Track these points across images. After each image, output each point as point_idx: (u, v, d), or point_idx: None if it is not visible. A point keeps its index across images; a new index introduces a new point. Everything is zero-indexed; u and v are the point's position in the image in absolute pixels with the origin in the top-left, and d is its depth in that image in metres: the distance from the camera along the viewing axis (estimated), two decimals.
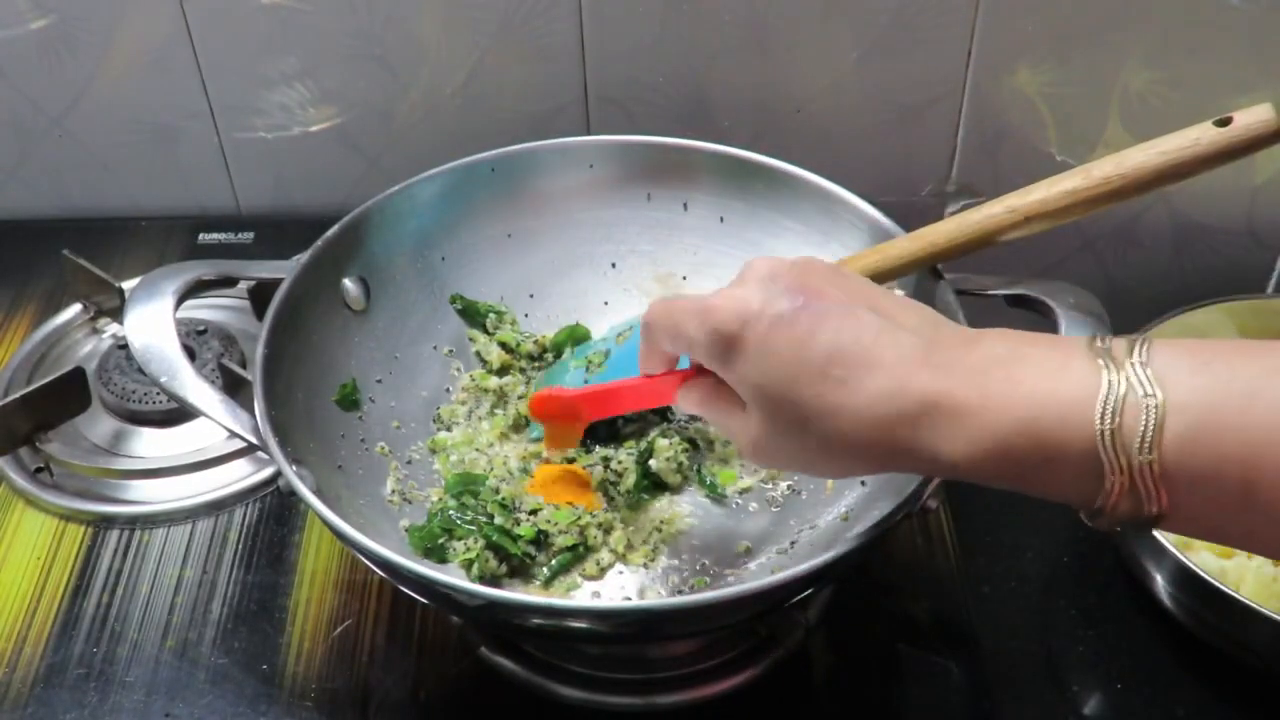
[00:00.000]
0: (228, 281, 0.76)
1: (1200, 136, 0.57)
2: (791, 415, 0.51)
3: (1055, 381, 0.46)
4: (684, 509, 0.74)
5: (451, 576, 0.59)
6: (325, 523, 0.60)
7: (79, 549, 0.78)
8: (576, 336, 0.83)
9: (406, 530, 0.72)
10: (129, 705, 0.69)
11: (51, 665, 0.71)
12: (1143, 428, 0.43)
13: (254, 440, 0.65)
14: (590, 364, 0.78)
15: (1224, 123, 0.57)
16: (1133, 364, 0.45)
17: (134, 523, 0.80)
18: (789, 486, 0.75)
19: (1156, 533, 0.66)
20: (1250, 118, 0.57)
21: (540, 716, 0.68)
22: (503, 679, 0.68)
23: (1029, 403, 0.46)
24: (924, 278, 0.71)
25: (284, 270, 0.73)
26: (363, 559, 0.60)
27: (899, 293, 0.70)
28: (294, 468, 0.63)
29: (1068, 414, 0.45)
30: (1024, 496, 0.80)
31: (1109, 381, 0.44)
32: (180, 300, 0.71)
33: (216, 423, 0.66)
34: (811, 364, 0.50)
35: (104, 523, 0.80)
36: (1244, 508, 0.43)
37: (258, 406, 0.65)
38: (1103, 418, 0.44)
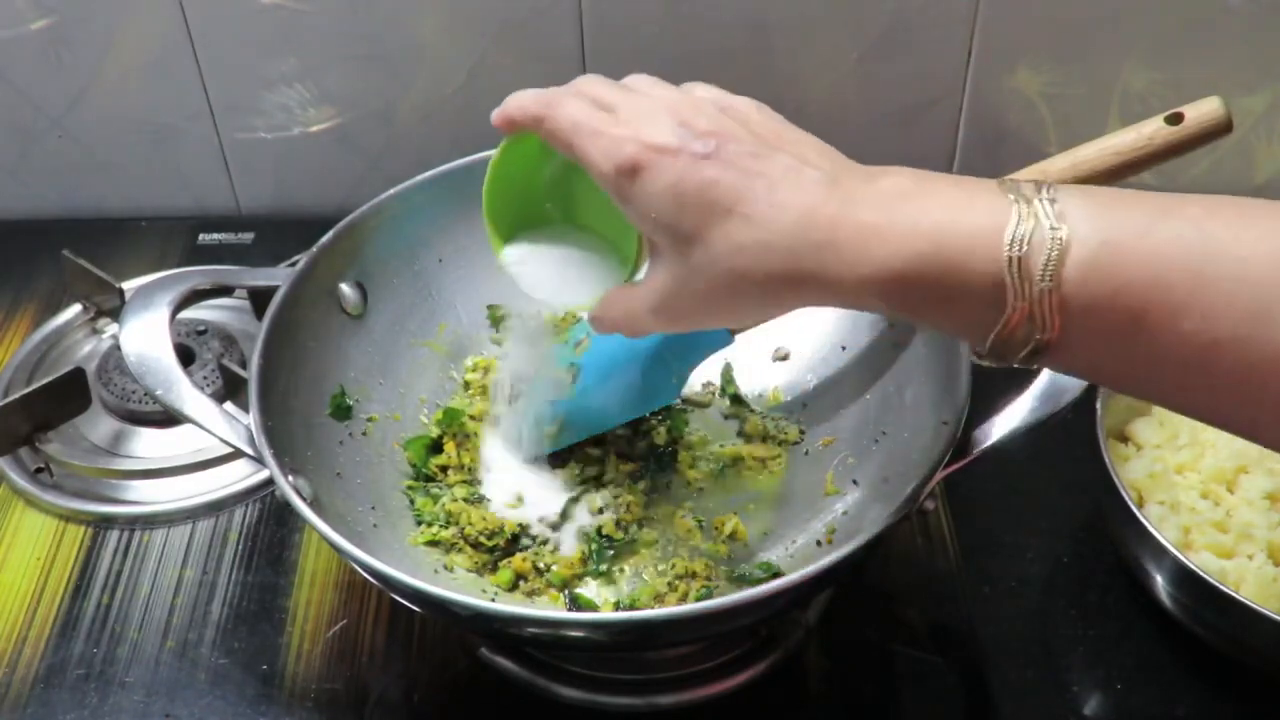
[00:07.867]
0: (223, 291, 0.76)
1: (1154, 134, 0.58)
2: (695, 257, 0.51)
3: (962, 212, 0.47)
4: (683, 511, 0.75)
5: (444, 589, 0.59)
6: (320, 533, 0.60)
7: (79, 549, 0.78)
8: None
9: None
10: (129, 706, 0.69)
11: (51, 665, 0.71)
12: (1046, 257, 0.45)
13: (250, 453, 0.65)
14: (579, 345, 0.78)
15: (1175, 119, 0.58)
16: (1040, 200, 0.47)
17: (134, 523, 0.80)
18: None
19: (1156, 533, 0.66)
20: (1200, 113, 0.58)
21: (540, 717, 0.68)
22: (503, 679, 0.68)
23: (936, 230, 0.47)
24: None
25: (279, 278, 0.73)
26: (357, 569, 0.60)
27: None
28: (290, 478, 0.63)
29: (975, 242, 0.46)
30: (1023, 497, 0.80)
31: (1018, 213, 0.46)
32: (175, 311, 0.71)
33: (213, 435, 0.66)
34: (719, 204, 0.50)
35: (104, 523, 0.80)
36: (1128, 341, 0.45)
37: (252, 419, 0.65)
38: (1011, 245, 0.46)
